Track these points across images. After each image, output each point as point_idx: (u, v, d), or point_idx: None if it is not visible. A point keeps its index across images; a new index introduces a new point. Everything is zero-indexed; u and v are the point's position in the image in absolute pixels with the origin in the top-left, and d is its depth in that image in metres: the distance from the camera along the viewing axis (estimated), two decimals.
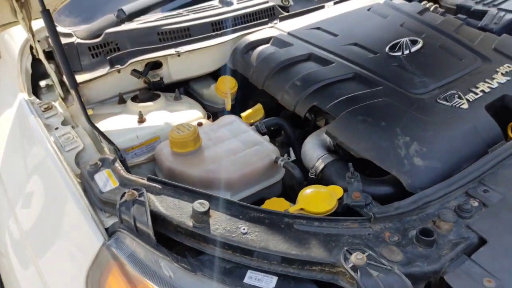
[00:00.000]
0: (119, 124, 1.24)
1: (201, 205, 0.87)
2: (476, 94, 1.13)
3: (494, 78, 1.15)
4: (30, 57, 1.28)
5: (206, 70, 1.43)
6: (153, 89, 1.39)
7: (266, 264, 0.83)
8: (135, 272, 0.82)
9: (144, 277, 0.81)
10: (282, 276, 0.84)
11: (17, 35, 1.35)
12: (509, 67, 1.18)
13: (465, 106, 1.09)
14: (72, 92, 1.10)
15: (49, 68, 1.20)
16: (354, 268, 0.77)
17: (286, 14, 1.52)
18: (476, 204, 0.91)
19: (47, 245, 1.01)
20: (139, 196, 0.88)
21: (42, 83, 1.29)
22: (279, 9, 1.51)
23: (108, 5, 1.43)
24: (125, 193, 0.89)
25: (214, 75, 1.49)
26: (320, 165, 1.10)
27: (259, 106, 1.31)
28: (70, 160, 1.04)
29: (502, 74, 1.16)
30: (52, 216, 1.01)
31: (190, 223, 0.86)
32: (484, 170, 0.96)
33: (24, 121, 1.14)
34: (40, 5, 0.95)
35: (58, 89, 1.22)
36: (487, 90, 1.12)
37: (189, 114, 1.31)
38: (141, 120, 1.24)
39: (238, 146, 1.15)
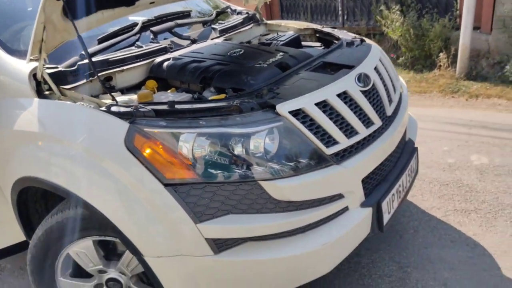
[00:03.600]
0: None
1: None
2: (269, 62, 1.98)
3: (276, 56, 2.04)
4: None
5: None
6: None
7: None
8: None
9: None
10: None
11: None
12: (281, 55, 2.16)
13: (265, 65, 1.91)
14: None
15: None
16: None
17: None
18: None
19: None
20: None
21: None
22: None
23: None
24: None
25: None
26: None
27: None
28: None
29: (278, 56, 2.12)
30: None
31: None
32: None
33: None
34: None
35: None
36: (274, 59, 1.99)
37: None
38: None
39: None
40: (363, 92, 1.76)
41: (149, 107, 1.50)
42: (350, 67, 1.86)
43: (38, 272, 1.80)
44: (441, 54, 4.91)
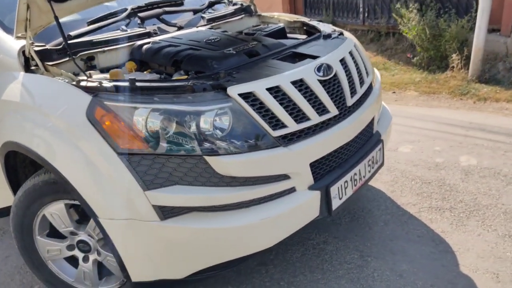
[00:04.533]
0: None
1: None
2: (239, 49, 2.05)
3: (249, 44, 2.09)
4: None
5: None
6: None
7: None
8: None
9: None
10: None
11: None
12: (254, 43, 2.14)
13: (233, 52, 1.98)
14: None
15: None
16: None
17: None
18: None
19: None
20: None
21: None
22: None
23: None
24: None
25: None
26: None
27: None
28: None
29: (251, 44, 2.11)
30: None
31: None
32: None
33: None
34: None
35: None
36: (245, 48, 2.05)
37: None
38: None
39: None
40: (322, 81, 1.84)
41: (112, 84, 1.65)
42: (315, 58, 1.94)
43: (19, 229, 2.00)
44: (453, 55, 4.83)
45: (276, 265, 2.25)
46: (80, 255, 1.99)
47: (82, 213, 1.95)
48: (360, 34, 6.86)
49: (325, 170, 1.86)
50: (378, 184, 2.88)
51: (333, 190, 1.83)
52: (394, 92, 4.89)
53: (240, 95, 1.64)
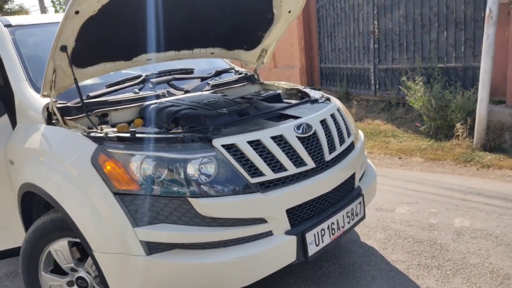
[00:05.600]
0: None
1: None
2: (231, 109, 2.38)
3: (242, 106, 2.41)
4: None
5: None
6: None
7: None
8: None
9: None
10: None
11: None
12: (246, 105, 2.48)
13: (226, 111, 2.25)
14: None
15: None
16: None
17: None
18: None
19: None
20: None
21: None
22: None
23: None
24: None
25: None
26: None
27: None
28: None
29: (243, 106, 2.43)
30: None
31: None
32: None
33: None
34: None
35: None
36: (238, 108, 2.37)
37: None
38: None
39: None
40: (301, 138, 2.07)
41: (116, 134, 1.94)
42: (297, 118, 2.19)
43: (26, 264, 2.21)
44: (458, 124, 5.00)
45: None
46: None
47: (83, 251, 2.15)
48: (372, 104, 7.18)
49: (302, 217, 2.02)
50: (371, 241, 2.97)
51: (309, 236, 1.98)
52: (400, 158, 5.04)
53: (223, 146, 1.88)
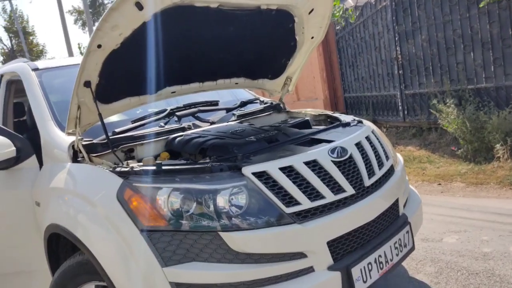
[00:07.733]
0: None
1: None
2: (259, 137, 2.24)
3: (269, 133, 2.32)
4: None
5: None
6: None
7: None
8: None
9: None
10: None
11: None
12: (274, 132, 2.34)
13: (254, 139, 2.15)
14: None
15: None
16: None
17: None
18: None
19: None
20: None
21: None
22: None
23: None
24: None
25: None
26: None
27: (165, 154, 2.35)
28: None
29: (271, 133, 2.30)
30: None
31: None
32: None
33: None
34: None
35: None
36: (266, 135, 2.23)
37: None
38: None
39: None
40: (337, 162, 1.92)
41: (141, 168, 1.84)
42: (329, 142, 2.05)
43: None
44: (497, 145, 4.72)
45: None
46: None
47: None
48: (402, 130, 6.95)
49: (345, 250, 1.83)
50: (421, 275, 2.70)
51: (355, 272, 1.78)
52: (439, 184, 4.75)
53: (254, 174, 1.75)
